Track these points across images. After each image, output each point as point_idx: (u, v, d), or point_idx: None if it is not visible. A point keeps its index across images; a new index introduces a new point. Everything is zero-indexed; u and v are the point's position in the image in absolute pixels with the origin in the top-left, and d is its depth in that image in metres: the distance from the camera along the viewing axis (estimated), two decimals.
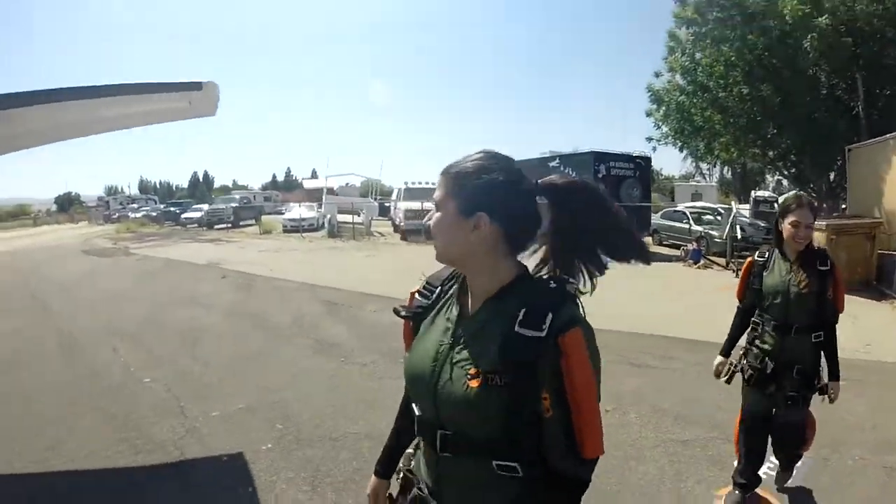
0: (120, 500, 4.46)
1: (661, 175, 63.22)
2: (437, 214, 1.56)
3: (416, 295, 1.80)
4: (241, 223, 41.09)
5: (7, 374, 7.75)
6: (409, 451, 1.88)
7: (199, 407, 6.08)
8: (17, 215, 77.54)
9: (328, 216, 31.91)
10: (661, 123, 25.45)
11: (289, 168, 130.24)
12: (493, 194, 1.50)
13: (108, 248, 27.73)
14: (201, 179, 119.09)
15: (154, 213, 53.86)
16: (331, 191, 43.03)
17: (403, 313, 1.79)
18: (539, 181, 1.57)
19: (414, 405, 1.74)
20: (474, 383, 1.44)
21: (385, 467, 1.96)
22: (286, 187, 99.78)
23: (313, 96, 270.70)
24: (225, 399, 6.29)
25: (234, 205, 42.71)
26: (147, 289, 14.80)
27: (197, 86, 5.20)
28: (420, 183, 31.55)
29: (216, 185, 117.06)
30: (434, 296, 1.74)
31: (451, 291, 1.71)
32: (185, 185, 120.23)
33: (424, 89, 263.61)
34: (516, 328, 1.43)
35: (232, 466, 4.86)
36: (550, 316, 1.42)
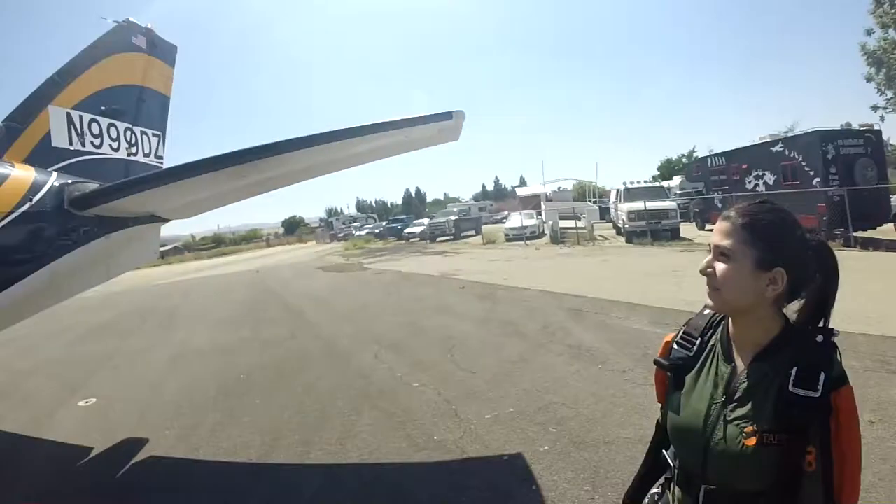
0: (410, 494, 4.88)
1: (890, 145, 55.67)
2: (725, 266, 1.57)
3: (674, 345, 1.80)
4: (463, 234, 42.35)
5: (286, 376, 8.85)
6: (655, 490, 1.90)
7: (472, 410, 6.46)
8: (249, 239, 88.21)
9: (550, 222, 31.82)
10: (883, 88, 23.10)
11: (496, 177, 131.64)
12: (792, 249, 1.54)
13: (342, 264, 29.83)
14: (414, 195, 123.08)
15: (377, 230, 57.00)
16: (545, 197, 43.11)
17: (665, 364, 1.80)
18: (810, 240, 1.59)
19: (670, 454, 1.81)
20: (750, 442, 1.48)
21: (634, 497, 1.99)
22: (496, 196, 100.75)
23: (520, 103, 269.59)
24: (495, 403, 6.60)
25: (453, 217, 43.82)
26: (390, 300, 15.76)
27: (448, 116, 5.60)
28: (639, 182, 30.65)
29: (428, 199, 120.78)
30: (695, 347, 1.74)
31: (711, 342, 1.72)
32: (399, 201, 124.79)
33: (625, 88, 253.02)
34: (790, 388, 1.46)
35: (513, 466, 5.13)
36: (823, 376, 1.44)
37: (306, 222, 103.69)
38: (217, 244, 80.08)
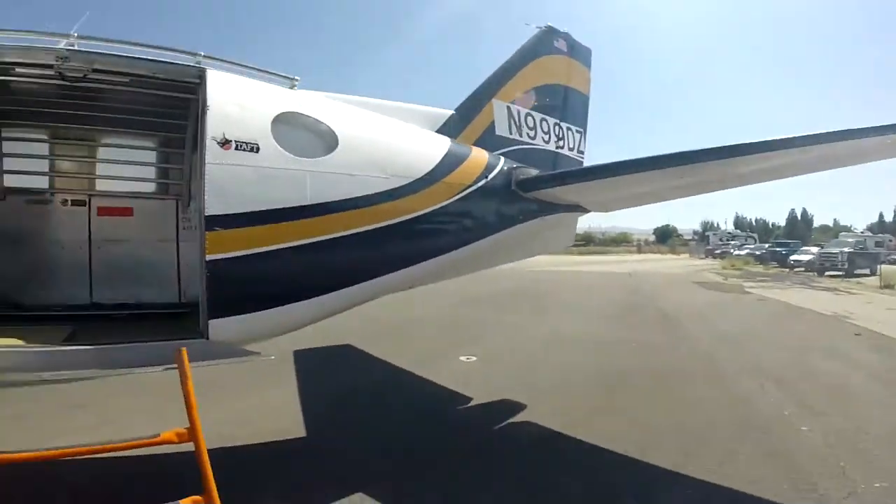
0: None
1: None
2: None
3: None
4: (856, 272, 37.80)
5: (665, 385, 9.06)
6: None
7: (861, 471, 5.91)
8: (619, 241, 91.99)
9: None
10: None
11: None
12: None
13: (720, 283, 29.09)
14: (800, 217, 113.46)
15: (758, 252, 53.83)
16: None
17: None
18: None
19: None
20: None
21: None
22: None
23: None
24: (887, 472, 5.91)
25: (847, 250, 39.45)
26: (773, 330, 14.96)
27: None
28: None
29: (815, 224, 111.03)
30: None
31: None
32: (782, 222, 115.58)
33: None
34: None
35: None
36: None
37: (679, 233, 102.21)
38: (586, 242, 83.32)
